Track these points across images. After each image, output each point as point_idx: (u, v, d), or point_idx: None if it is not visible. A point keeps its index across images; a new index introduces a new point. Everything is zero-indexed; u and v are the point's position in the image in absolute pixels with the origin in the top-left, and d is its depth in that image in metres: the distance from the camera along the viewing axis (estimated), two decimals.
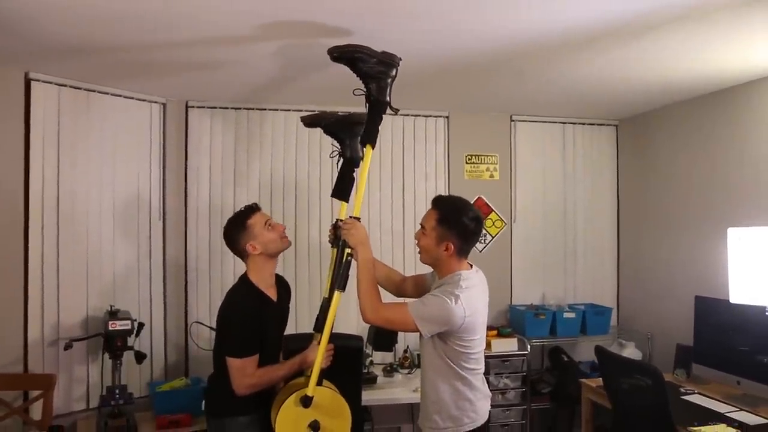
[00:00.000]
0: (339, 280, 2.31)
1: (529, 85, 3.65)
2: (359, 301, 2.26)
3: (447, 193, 4.27)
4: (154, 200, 3.82)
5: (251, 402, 2.42)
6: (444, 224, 2.27)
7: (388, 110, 2.43)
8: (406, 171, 4.31)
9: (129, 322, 3.23)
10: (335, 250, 2.46)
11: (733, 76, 3.37)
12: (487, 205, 4.43)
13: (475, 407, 2.31)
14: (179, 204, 3.93)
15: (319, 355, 2.31)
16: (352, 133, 2.61)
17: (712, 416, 2.97)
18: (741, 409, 3.04)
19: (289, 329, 3.39)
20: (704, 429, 2.79)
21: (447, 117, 4.38)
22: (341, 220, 2.43)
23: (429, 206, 4.20)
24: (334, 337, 2.40)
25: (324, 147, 4.12)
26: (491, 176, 4.47)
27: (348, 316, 3.94)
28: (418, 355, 3.98)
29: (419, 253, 2.39)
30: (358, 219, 2.36)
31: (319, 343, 2.34)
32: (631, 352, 4.10)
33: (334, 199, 2.64)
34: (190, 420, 3.29)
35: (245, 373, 2.34)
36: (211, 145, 3.98)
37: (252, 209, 2.53)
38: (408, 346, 4.08)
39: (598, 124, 4.68)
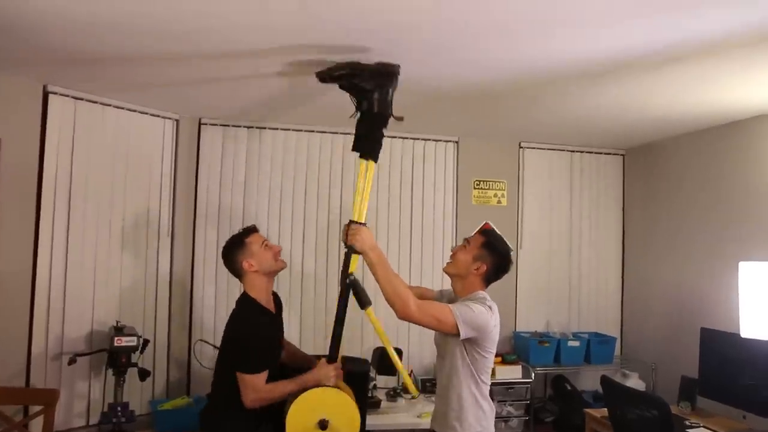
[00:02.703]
0: (362, 299, 2.32)
1: (539, 113, 3.68)
2: (390, 302, 2.22)
3: (453, 220, 4.39)
4: (164, 216, 3.82)
5: (250, 420, 2.49)
6: (487, 248, 2.43)
7: (393, 121, 2.40)
8: (415, 194, 4.32)
9: (135, 338, 3.21)
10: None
11: (743, 109, 3.40)
12: (494, 229, 4.44)
13: (488, 418, 2.39)
14: (188, 221, 3.93)
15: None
16: (380, 84, 2.40)
17: None
18: None
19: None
20: None
21: (456, 142, 4.41)
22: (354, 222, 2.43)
23: (435, 230, 4.24)
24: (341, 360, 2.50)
25: (334, 169, 4.14)
26: (499, 202, 4.49)
27: (353, 339, 3.94)
28: (423, 380, 4.00)
29: (449, 262, 2.49)
30: (364, 224, 2.37)
31: (328, 362, 2.45)
32: (634, 382, 4.08)
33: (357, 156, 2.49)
34: None
35: (256, 388, 2.42)
36: (222, 163, 3.99)
37: (250, 230, 2.69)
38: (412, 371, 4.06)
39: (605, 153, 4.72)
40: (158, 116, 3.76)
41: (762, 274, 3.01)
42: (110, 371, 3.28)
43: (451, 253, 2.52)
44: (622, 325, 4.69)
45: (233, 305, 3.83)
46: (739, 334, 3.14)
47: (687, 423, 3.37)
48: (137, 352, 3.27)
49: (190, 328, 3.90)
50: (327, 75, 2.28)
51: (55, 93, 3.25)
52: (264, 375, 2.46)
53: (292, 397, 2.43)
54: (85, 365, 3.40)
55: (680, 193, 4.14)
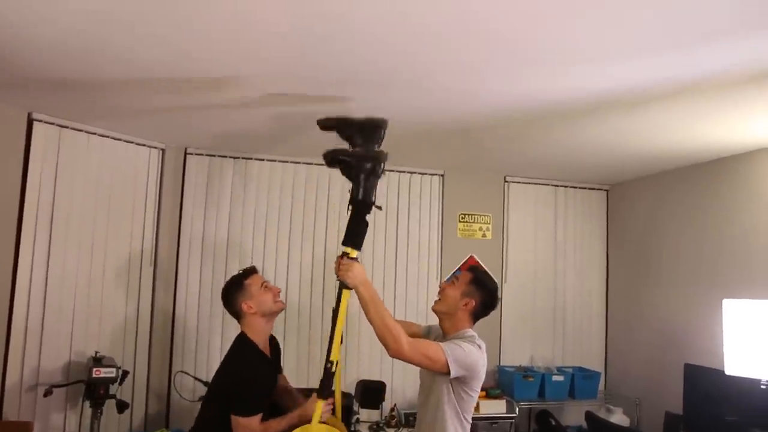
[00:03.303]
0: (323, 389, 2.27)
1: (524, 148, 3.72)
2: (381, 339, 2.18)
3: (438, 253, 4.40)
4: (146, 246, 3.79)
5: None
6: (475, 285, 2.45)
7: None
8: (400, 226, 4.33)
9: (114, 369, 3.16)
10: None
11: (725, 147, 3.46)
12: (479, 264, 4.44)
13: None
14: (171, 251, 3.90)
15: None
16: (366, 171, 2.36)
17: None
18: None
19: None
20: None
21: (442, 175, 4.44)
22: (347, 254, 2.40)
23: (420, 263, 4.24)
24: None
25: (320, 201, 4.15)
26: (484, 236, 4.51)
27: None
28: (405, 414, 3.95)
29: (437, 300, 2.49)
30: (356, 260, 2.33)
31: (318, 397, 2.33)
32: (619, 418, 4.06)
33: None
34: None
35: (251, 429, 2.39)
36: (207, 193, 3.97)
37: (250, 271, 2.66)
38: (395, 405, 4.01)
39: (589, 188, 4.76)
40: (144, 145, 3.76)
41: (745, 312, 3.03)
42: (87, 403, 3.21)
43: (439, 289, 2.53)
44: (606, 360, 4.68)
45: (215, 337, 3.85)
46: (723, 371, 3.14)
47: None
48: (116, 384, 3.21)
49: (170, 359, 3.83)
50: (331, 159, 2.35)
51: (40, 120, 3.24)
52: (259, 417, 2.44)
53: None
54: (62, 397, 3.32)
55: (664, 230, 4.18)
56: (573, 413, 4.40)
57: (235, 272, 2.72)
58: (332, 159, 2.34)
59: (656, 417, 3.88)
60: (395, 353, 2.18)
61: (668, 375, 3.91)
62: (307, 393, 2.64)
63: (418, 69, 2.40)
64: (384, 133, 2.49)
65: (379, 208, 2.44)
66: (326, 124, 2.56)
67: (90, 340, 3.47)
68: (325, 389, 2.28)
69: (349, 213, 2.37)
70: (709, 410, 3.40)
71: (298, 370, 3.98)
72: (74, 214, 3.43)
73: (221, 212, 3.99)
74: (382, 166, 2.36)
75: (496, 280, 2.60)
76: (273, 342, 2.74)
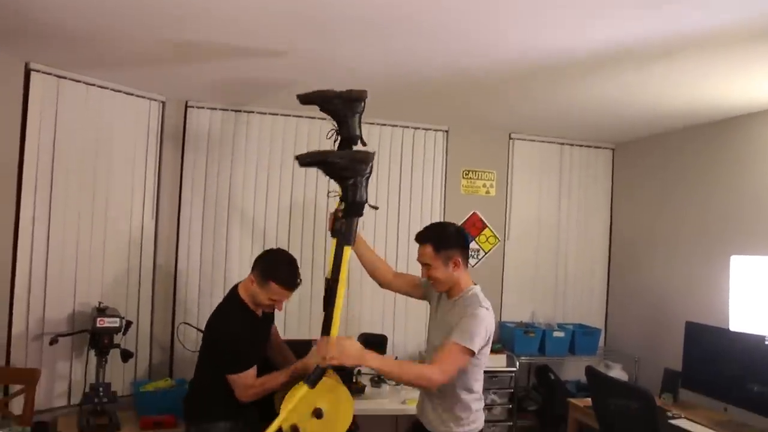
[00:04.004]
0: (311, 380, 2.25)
1: (529, 104, 3.67)
2: (417, 387, 2.29)
3: (441, 209, 4.38)
4: (148, 198, 3.78)
5: (232, 408, 2.51)
6: (441, 247, 2.40)
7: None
8: (403, 182, 4.31)
9: (117, 319, 3.18)
10: (335, 239, 2.44)
11: (734, 107, 3.40)
12: (482, 220, 4.44)
13: (480, 412, 2.43)
14: (173, 203, 3.90)
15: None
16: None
17: None
18: None
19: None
20: None
21: (447, 131, 4.39)
22: (341, 211, 2.42)
23: (423, 219, 4.23)
24: None
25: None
26: (487, 192, 4.48)
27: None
28: None
29: (433, 285, 2.49)
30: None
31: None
32: (617, 373, 4.10)
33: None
34: (175, 421, 3.23)
35: (247, 384, 2.45)
36: (209, 146, 3.94)
37: (289, 281, 2.52)
38: (396, 358, 4.06)
39: (594, 147, 4.71)
40: (144, 97, 3.71)
41: (753, 268, 3.03)
42: (92, 352, 3.25)
43: (426, 278, 2.49)
44: (606, 317, 4.71)
45: (218, 289, 3.89)
46: (723, 328, 3.16)
47: (669, 414, 3.39)
48: (120, 334, 3.25)
49: (173, 310, 3.87)
50: (305, 160, 2.34)
51: (38, 71, 3.19)
52: (253, 371, 2.47)
53: (287, 386, 2.41)
54: (67, 346, 3.37)
55: (668, 189, 4.14)
56: (573, 369, 4.46)
57: (288, 252, 2.66)
58: (314, 161, 2.31)
59: (654, 373, 3.91)
60: (435, 387, 2.25)
61: (668, 333, 3.93)
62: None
63: (428, 14, 2.31)
64: (364, 105, 2.48)
65: (376, 207, 2.44)
66: (307, 99, 2.53)
67: (93, 292, 3.50)
68: (313, 380, 2.21)
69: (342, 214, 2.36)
70: (708, 367, 3.42)
71: (300, 324, 4.02)
72: (74, 165, 3.41)
73: (223, 166, 3.97)
74: (370, 167, 2.35)
75: (434, 222, 2.64)
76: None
